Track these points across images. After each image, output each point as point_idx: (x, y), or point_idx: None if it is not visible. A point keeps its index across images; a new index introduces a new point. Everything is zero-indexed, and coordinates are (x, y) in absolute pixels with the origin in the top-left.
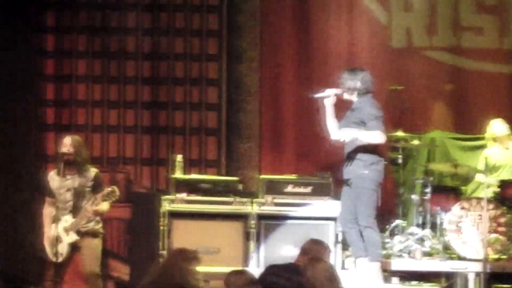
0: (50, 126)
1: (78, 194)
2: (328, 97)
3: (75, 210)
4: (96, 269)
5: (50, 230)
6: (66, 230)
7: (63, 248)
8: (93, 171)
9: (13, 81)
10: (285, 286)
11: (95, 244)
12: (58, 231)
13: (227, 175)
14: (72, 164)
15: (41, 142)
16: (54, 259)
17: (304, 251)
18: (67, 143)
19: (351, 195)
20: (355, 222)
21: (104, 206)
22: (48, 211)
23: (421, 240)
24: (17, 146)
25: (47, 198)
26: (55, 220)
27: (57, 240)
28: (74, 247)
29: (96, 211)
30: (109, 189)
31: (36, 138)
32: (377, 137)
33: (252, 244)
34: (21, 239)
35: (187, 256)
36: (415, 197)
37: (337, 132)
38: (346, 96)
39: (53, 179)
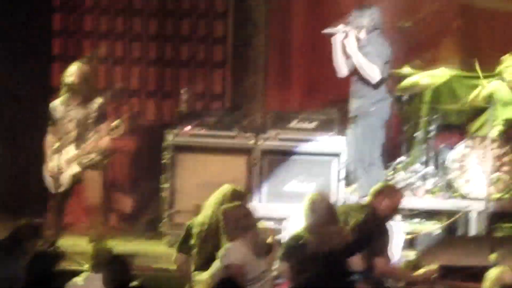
0: (56, 56)
1: (82, 125)
2: (337, 33)
3: (78, 142)
4: (98, 201)
5: (51, 161)
6: (68, 161)
7: (64, 179)
8: (97, 101)
9: (22, 12)
10: None
11: (97, 176)
12: (60, 162)
13: (232, 108)
14: (76, 94)
15: (47, 73)
16: (54, 190)
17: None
18: (73, 72)
19: (357, 131)
20: (361, 158)
21: (105, 141)
22: (50, 141)
23: (424, 178)
24: (23, 77)
25: (50, 128)
26: (58, 150)
27: (58, 170)
28: (76, 179)
29: (99, 146)
30: (115, 122)
31: (43, 69)
32: (372, 72)
33: (255, 179)
34: (23, 169)
35: None
36: (419, 134)
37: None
38: (355, 33)
39: (57, 108)
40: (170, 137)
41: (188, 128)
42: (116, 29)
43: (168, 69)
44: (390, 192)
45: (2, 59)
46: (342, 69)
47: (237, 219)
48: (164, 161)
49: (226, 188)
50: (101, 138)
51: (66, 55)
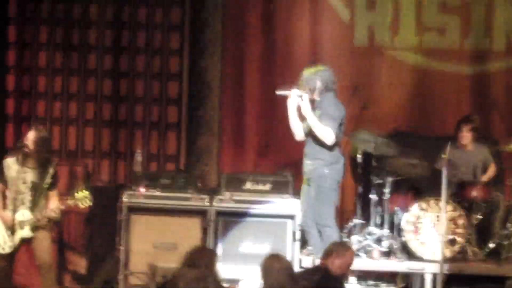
0: (10, 117)
1: (36, 189)
2: (289, 96)
3: (33, 205)
4: (50, 259)
5: (3, 218)
6: (21, 224)
7: (13, 240)
8: (51, 168)
9: None
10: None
11: (48, 237)
12: (13, 223)
13: (186, 170)
14: (31, 158)
15: (3, 134)
16: (1, 250)
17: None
18: (30, 138)
19: (311, 193)
20: (314, 221)
21: (59, 205)
22: None
23: (379, 240)
24: None
25: None
26: (9, 209)
27: (11, 231)
28: (24, 241)
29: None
30: (83, 194)
31: None
32: (327, 134)
33: (210, 240)
34: None
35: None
36: (373, 196)
37: (301, 132)
38: (308, 96)
39: (10, 167)
40: (125, 198)
41: (142, 189)
42: (70, 87)
43: (122, 129)
44: (340, 251)
45: None
46: (299, 133)
47: (189, 281)
48: (119, 222)
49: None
50: (57, 206)
51: (19, 116)
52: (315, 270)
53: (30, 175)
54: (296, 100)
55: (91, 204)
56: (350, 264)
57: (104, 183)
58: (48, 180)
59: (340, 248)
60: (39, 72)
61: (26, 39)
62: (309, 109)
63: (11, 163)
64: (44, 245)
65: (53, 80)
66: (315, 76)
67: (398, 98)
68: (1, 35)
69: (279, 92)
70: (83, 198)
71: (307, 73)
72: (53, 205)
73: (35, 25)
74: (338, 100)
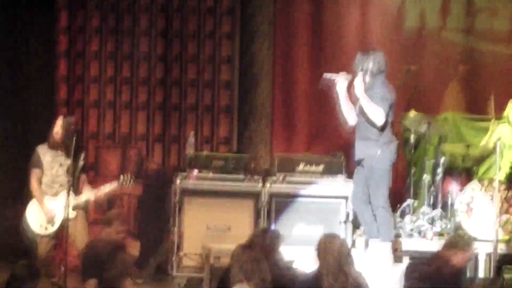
0: (62, 102)
1: (71, 173)
2: (337, 81)
3: (69, 188)
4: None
5: (42, 205)
6: (73, 207)
7: (55, 224)
8: (83, 152)
9: (28, 60)
10: None
11: (84, 219)
12: (53, 207)
13: (239, 152)
14: (61, 145)
15: (53, 120)
16: (42, 232)
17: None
18: (58, 125)
19: (363, 175)
20: (367, 202)
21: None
22: (38, 183)
23: (432, 220)
24: (29, 121)
25: (35, 170)
26: (48, 194)
27: (50, 215)
28: (66, 223)
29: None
30: (122, 178)
31: (49, 115)
32: (378, 115)
33: (262, 222)
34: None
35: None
36: (426, 177)
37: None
38: (360, 77)
39: (45, 152)
40: (178, 181)
41: (195, 172)
42: (122, 73)
43: (175, 113)
44: (466, 245)
45: None
46: (351, 117)
47: (243, 262)
48: (172, 204)
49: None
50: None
51: (72, 101)
52: (432, 259)
53: (65, 159)
54: (344, 84)
55: (132, 187)
56: (470, 259)
57: (157, 167)
58: (81, 162)
59: (465, 241)
60: (91, 58)
61: (78, 24)
62: (362, 89)
63: (45, 150)
64: (83, 227)
65: (105, 66)
66: (368, 57)
67: (449, 80)
68: (51, 19)
69: (326, 76)
70: (122, 181)
71: (360, 55)
72: (101, 190)
73: (85, 11)
74: (389, 83)
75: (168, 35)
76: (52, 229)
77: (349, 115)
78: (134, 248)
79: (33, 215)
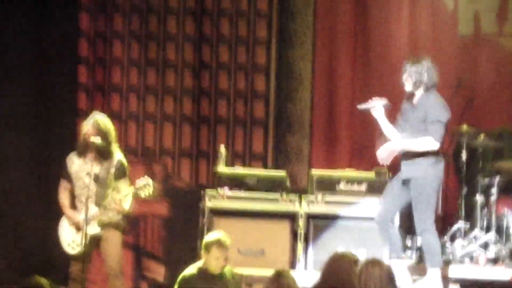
0: (82, 111)
1: (100, 181)
2: (373, 108)
3: (97, 199)
4: (117, 265)
5: (70, 217)
6: (88, 220)
7: (81, 240)
8: (117, 157)
9: (50, 67)
10: None
11: (117, 238)
12: (80, 220)
13: (274, 169)
14: (92, 149)
15: (74, 129)
16: (69, 251)
17: None
18: (90, 125)
19: (403, 194)
20: (393, 220)
21: (129, 201)
22: (64, 195)
23: (485, 245)
24: (52, 105)
25: (63, 182)
26: (76, 207)
27: (77, 229)
28: (94, 241)
29: (121, 205)
30: (143, 180)
31: (70, 125)
32: (430, 144)
33: (300, 246)
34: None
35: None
36: (479, 197)
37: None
38: (409, 88)
39: (73, 161)
40: (207, 200)
41: (226, 190)
42: (147, 80)
43: (205, 126)
44: None
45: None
46: (397, 137)
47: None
48: (200, 225)
49: None
50: (125, 197)
51: (92, 110)
52: None
53: (93, 167)
54: (381, 109)
55: (152, 193)
56: None
57: (184, 184)
58: (112, 170)
59: None
60: (113, 64)
61: (100, 28)
62: (391, 129)
63: (73, 157)
64: (113, 248)
65: (128, 73)
66: (422, 68)
67: (506, 92)
68: (72, 23)
69: (361, 107)
70: (144, 186)
71: (412, 64)
72: (120, 195)
73: (109, 13)
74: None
75: (197, 41)
76: (78, 248)
77: (394, 137)
78: (159, 274)
79: (63, 232)
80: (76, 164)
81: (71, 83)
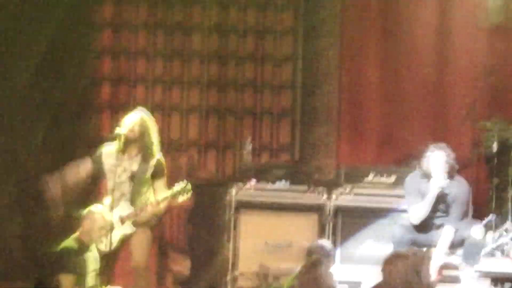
0: (105, 104)
1: (137, 180)
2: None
3: (133, 197)
4: (144, 261)
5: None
6: (122, 220)
7: (114, 238)
8: (156, 156)
9: (69, 57)
10: None
11: (147, 235)
12: (113, 218)
13: (301, 161)
14: (134, 146)
15: (96, 123)
16: (102, 248)
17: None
18: (134, 121)
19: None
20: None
21: (165, 203)
22: (76, 175)
23: None
24: (69, 126)
25: (85, 164)
26: (110, 206)
27: (110, 227)
28: (125, 238)
29: (159, 207)
30: (181, 185)
31: (91, 119)
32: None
33: (328, 239)
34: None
35: None
36: (511, 189)
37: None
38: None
39: (109, 155)
40: (233, 193)
41: (252, 182)
42: (172, 70)
43: (230, 117)
44: None
45: None
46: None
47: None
48: (226, 218)
49: None
50: (163, 200)
51: (116, 103)
52: None
53: (130, 164)
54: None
55: (190, 197)
56: None
57: (210, 176)
58: (150, 169)
59: None
60: (137, 55)
61: (122, 19)
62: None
63: (110, 152)
64: (142, 245)
65: (153, 64)
66: (449, 153)
67: None
68: (95, 15)
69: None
70: (181, 190)
71: (439, 150)
72: (157, 197)
73: (132, 4)
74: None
75: (223, 30)
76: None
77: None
78: (184, 266)
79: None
80: (113, 158)
81: (94, 75)
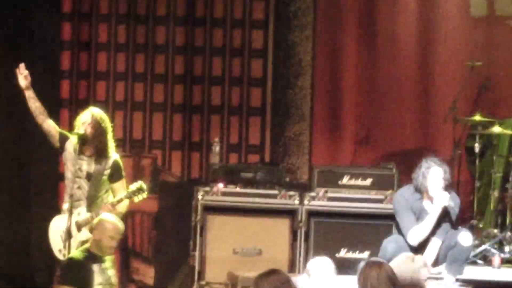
0: (65, 101)
1: (93, 181)
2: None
3: (89, 201)
4: None
5: (59, 222)
6: (78, 225)
7: (71, 246)
8: (114, 157)
9: (32, 50)
10: None
11: None
12: (70, 224)
13: (272, 163)
14: (88, 146)
15: (57, 119)
16: (60, 258)
17: None
18: (86, 120)
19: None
20: None
21: (124, 205)
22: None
23: (500, 244)
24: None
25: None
26: (68, 210)
27: (68, 235)
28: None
29: (115, 210)
30: (136, 185)
31: (52, 115)
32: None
33: (300, 245)
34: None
35: None
36: (494, 193)
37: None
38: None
39: (70, 149)
40: (200, 196)
41: (220, 185)
42: (135, 65)
43: (197, 115)
44: None
45: None
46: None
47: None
48: (192, 223)
49: None
50: (118, 202)
51: (75, 99)
52: None
53: (86, 164)
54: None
55: (146, 197)
56: None
57: (175, 178)
58: (106, 171)
59: None
60: (99, 49)
61: (84, 9)
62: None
63: (69, 145)
64: None
65: (115, 58)
66: (445, 167)
67: None
68: (55, 4)
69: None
70: (136, 190)
71: (441, 169)
72: (114, 200)
73: None
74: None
75: (189, 22)
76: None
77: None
78: (147, 276)
79: (53, 238)
80: (70, 153)
81: (53, 70)
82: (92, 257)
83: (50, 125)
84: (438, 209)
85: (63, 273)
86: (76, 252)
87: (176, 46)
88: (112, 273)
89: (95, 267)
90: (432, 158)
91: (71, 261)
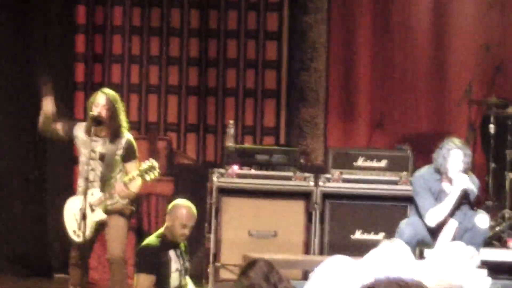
0: (80, 84)
1: (106, 162)
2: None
3: (102, 181)
4: (121, 252)
5: (73, 203)
6: (92, 206)
7: (86, 227)
8: (125, 137)
9: (47, 34)
10: None
11: (122, 224)
12: (84, 206)
13: (287, 145)
14: (103, 127)
15: (70, 104)
16: (75, 239)
17: None
18: (100, 103)
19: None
20: None
21: (137, 184)
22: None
23: None
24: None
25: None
26: (82, 192)
27: (83, 216)
28: (100, 227)
29: (128, 190)
30: (148, 163)
31: (65, 98)
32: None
33: (315, 227)
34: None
35: None
36: (509, 174)
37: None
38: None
39: (80, 134)
40: (215, 178)
41: (235, 167)
42: (150, 48)
43: (212, 98)
44: None
45: None
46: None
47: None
48: (208, 206)
49: None
50: (130, 181)
51: (91, 83)
52: None
53: (99, 146)
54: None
55: (157, 175)
56: None
57: (190, 161)
58: (119, 151)
59: None
60: (113, 32)
61: None
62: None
63: (79, 131)
64: (117, 235)
65: (130, 41)
66: (467, 151)
67: None
68: None
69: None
70: (147, 168)
71: (462, 151)
72: (126, 179)
73: None
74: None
75: (204, 5)
76: (83, 236)
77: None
78: None
79: (68, 219)
80: (81, 138)
81: (67, 53)
82: (167, 243)
83: (53, 130)
84: (457, 191)
85: (140, 261)
86: (151, 238)
87: (190, 29)
88: (187, 258)
89: (171, 253)
90: (454, 140)
91: (147, 248)
